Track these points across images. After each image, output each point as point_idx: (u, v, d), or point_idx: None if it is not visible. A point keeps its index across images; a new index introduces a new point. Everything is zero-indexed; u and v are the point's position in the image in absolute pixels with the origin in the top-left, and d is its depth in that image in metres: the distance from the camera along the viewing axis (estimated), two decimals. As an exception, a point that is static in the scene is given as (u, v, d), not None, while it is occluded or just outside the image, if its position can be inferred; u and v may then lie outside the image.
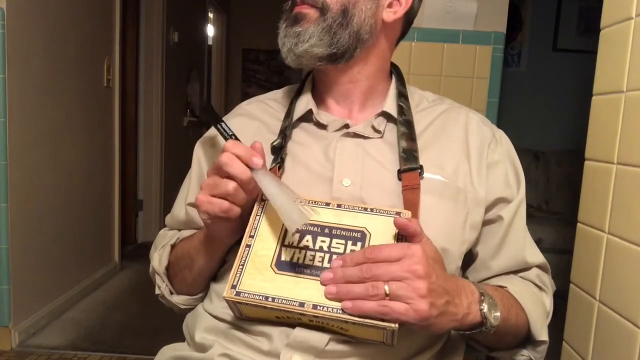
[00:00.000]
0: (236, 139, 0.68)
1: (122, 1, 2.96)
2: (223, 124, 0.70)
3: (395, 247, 0.59)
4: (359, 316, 0.57)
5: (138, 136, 3.63)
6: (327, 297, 0.59)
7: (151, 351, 0.82)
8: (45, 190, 2.28)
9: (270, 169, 0.72)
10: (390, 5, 0.75)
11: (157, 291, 0.84)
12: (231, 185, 0.62)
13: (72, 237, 2.53)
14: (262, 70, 5.57)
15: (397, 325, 0.57)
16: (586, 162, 0.91)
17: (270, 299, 0.60)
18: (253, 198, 0.67)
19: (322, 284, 0.60)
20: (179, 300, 0.82)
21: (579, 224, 0.92)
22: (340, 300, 0.58)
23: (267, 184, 0.63)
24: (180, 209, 0.85)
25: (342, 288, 0.58)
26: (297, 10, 0.73)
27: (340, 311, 0.58)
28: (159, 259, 0.82)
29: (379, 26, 0.75)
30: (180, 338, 0.81)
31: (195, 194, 0.76)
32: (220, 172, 0.63)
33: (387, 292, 0.56)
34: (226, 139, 0.68)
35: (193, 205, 0.82)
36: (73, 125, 2.50)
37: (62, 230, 2.44)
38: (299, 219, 0.60)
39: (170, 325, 1.06)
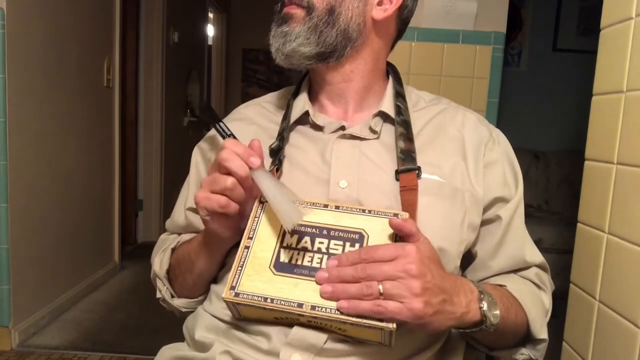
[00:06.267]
0: (234, 138, 0.69)
1: (122, 1, 2.96)
2: (222, 124, 0.71)
3: (390, 247, 0.59)
4: (356, 316, 0.57)
5: (138, 136, 3.63)
6: (322, 297, 0.59)
7: (151, 351, 0.82)
8: (45, 190, 2.27)
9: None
10: (380, 3, 0.75)
11: (158, 295, 0.84)
12: (229, 180, 0.63)
13: (72, 237, 2.53)
14: (262, 70, 5.55)
15: (394, 325, 0.57)
16: (586, 162, 0.91)
17: (269, 300, 0.60)
18: (252, 197, 0.68)
19: (317, 283, 0.60)
20: (179, 303, 0.82)
21: (579, 224, 0.92)
22: (335, 300, 0.59)
23: (264, 183, 0.64)
24: (179, 213, 0.85)
25: (337, 287, 0.58)
26: (285, 11, 0.74)
27: (338, 312, 0.58)
28: (159, 262, 0.83)
29: (369, 24, 0.75)
30: (180, 338, 0.81)
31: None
32: (219, 168, 0.64)
33: (381, 292, 0.56)
34: (224, 139, 0.69)
35: (192, 209, 0.82)
36: (73, 125, 2.50)
37: (62, 230, 2.44)
38: (295, 217, 0.61)
39: (170, 325, 1.06)
